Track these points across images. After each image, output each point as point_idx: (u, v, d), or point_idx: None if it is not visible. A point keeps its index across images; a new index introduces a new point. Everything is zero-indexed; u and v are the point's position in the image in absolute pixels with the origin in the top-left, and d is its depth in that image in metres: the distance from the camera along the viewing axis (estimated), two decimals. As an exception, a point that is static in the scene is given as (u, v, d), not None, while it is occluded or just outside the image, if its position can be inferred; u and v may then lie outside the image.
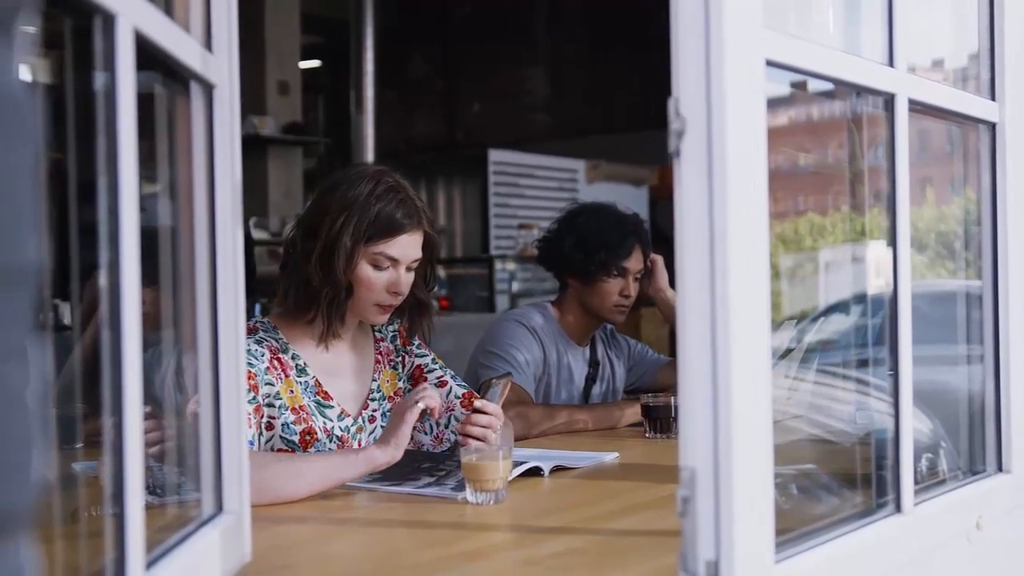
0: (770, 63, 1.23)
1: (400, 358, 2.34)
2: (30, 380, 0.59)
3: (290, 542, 1.64)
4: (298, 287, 2.14)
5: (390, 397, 2.30)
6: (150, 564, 1.08)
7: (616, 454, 2.33)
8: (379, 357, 2.31)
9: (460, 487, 1.88)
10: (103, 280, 0.99)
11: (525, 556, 1.54)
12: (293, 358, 2.17)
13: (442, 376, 2.33)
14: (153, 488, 1.31)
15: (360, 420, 2.23)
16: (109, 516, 1.04)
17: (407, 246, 2.14)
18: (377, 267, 2.13)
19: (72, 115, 1.08)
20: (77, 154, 1.05)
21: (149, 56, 1.10)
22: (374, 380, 2.28)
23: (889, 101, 1.50)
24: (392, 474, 2.02)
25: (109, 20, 0.98)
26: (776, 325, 1.31)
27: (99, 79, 1.00)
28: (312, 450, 2.11)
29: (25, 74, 0.63)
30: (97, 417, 1.07)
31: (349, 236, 2.09)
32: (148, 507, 1.06)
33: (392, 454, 1.91)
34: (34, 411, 0.59)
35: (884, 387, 1.67)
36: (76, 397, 1.83)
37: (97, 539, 1.16)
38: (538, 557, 1.52)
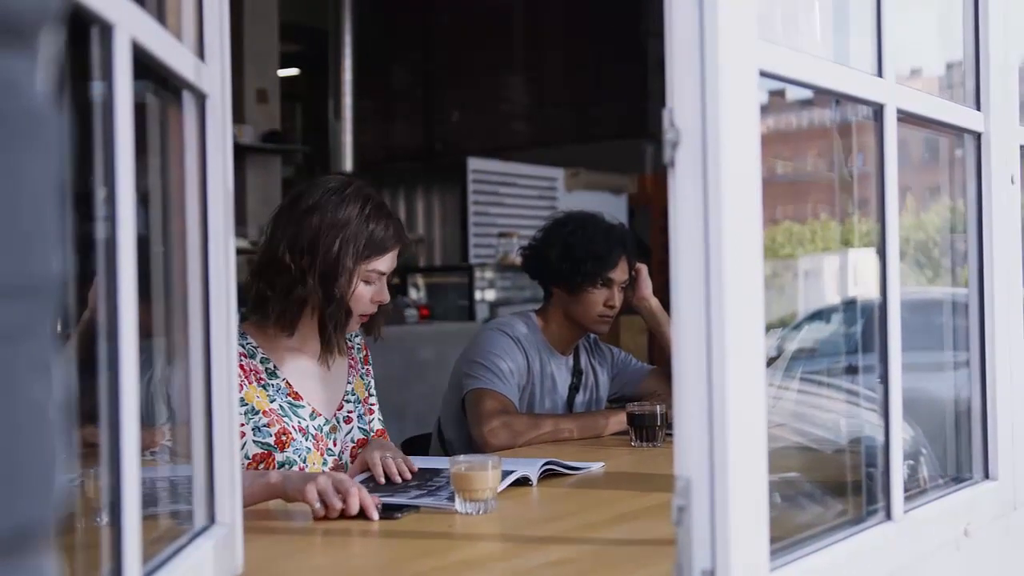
0: (764, 73, 1.24)
1: (364, 370, 2.44)
2: (53, 393, 0.58)
3: (281, 553, 1.63)
4: (296, 305, 2.19)
5: (363, 401, 2.38)
6: (145, 577, 1.07)
7: (602, 464, 2.33)
8: (352, 363, 2.39)
9: (453, 498, 1.88)
10: (101, 292, 0.98)
11: (518, 566, 1.53)
12: (262, 362, 2.22)
13: (374, 404, 2.44)
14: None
15: (335, 420, 2.29)
16: (100, 527, 1.03)
17: (393, 260, 2.26)
18: (367, 282, 2.22)
19: (66, 124, 1.07)
20: (69, 163, 1.04)
21: (142, 65, 1.09)
22: (349, 383, 2.36)
23: (878, 111, 1.51)
24: (383, 487, 2.01)
25: (107, 30, 0.97)
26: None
27: (95, 88, 1.00)
28: (290, 448, 2.16)
29: (48, 87, 0.62)
30: (87, 427, 1.07)
31: (351, 258, 2.18)
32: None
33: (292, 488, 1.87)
34: (57, 424, 0.59)
35: (869, 395, 1.68)
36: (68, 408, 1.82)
37: (86, 551, 1.15)
38: (531, 567, 1.52)
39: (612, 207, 7.47)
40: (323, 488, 1.79)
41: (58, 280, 0.60)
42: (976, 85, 1.82)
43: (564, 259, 2.92)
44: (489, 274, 7.46)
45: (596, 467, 2.31)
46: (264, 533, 1.69)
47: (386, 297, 2.26)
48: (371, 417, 2.40)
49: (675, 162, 1.17)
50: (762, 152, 1.23)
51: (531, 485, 2.07)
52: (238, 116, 7.11)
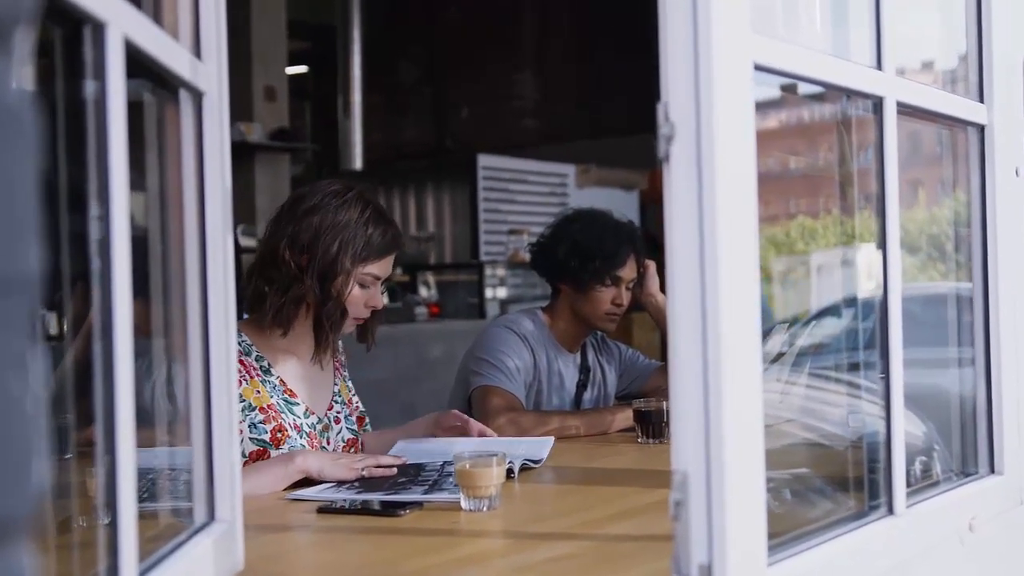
0: (758, 67, 1.23)
1: (345, 373, 2.48)
2: (30, 387, 0.59)
3: (282, 551, 1.64)
4: (293, 303, 2.22)
5: (348, 402, 2.42)
6: (143, 573, 1.08)
7: (551, 439, 2.36)
8: (337, 366, 2.44)
9: (457, 491, 1.87)
10: (95, 290, 0.98)
11: (520, 562, 1.53)
12: (257, 359, 2.25)
13: (359, 405, 2.48)
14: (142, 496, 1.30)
15: (326, 419, 2.33)
16: (100, 526, 1.04)
17: (388, 266, 2.30)
18: (362, 285, 2.26)
19: (60, 123, 1.08)
20: (64, 162, 1.05)
21: (138, 64, 1.09)
22: (335, 384, 2.40)
23: (878, 104, 1.50)
24: (376, 486, 2.00)
25: (99, 28, 0.97)
26: (767, 329, 1.31)
27: (89, 87, 1.00)
28: (285, 446, 2.19)
29: (24, 85, 0.63)
30: (88, 427, 1.07)
31: (348, 259, 2.21)
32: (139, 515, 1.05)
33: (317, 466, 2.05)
34: (34, 418, 0.59)
35: (876, 390, 1.67)
36: (67, 407, 1.83)
37: (85, 549, 1.15)
38: (533, 563, 1.51)
39: (623, 203, 7.47)
40: (367, 464, 2.06)
41: (36, 275, 0.61)
42: (980, 78, 1.81)
43: (572, 256, 2.92)
44: (500, 271, 7.46)
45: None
46: (264, 530, 1.69)
47: (379, 303, 2.31)
48: (354, 419, 2.43)
49: (670, 156, 1.17)
50: (775, 147, 1.23)
51: (513, 478, 2.07)
52: (246, 114, 7.13)
